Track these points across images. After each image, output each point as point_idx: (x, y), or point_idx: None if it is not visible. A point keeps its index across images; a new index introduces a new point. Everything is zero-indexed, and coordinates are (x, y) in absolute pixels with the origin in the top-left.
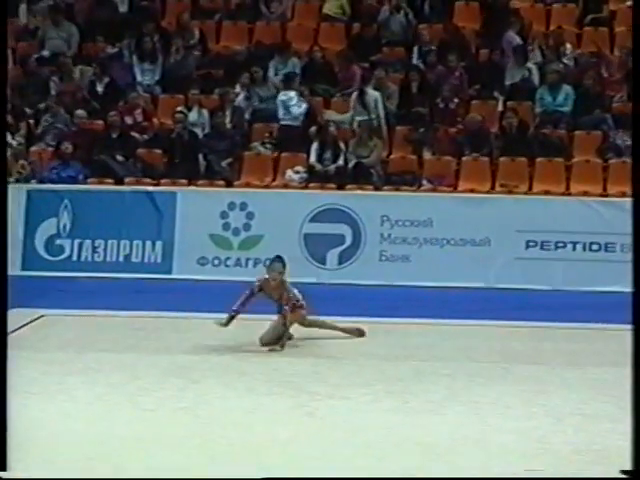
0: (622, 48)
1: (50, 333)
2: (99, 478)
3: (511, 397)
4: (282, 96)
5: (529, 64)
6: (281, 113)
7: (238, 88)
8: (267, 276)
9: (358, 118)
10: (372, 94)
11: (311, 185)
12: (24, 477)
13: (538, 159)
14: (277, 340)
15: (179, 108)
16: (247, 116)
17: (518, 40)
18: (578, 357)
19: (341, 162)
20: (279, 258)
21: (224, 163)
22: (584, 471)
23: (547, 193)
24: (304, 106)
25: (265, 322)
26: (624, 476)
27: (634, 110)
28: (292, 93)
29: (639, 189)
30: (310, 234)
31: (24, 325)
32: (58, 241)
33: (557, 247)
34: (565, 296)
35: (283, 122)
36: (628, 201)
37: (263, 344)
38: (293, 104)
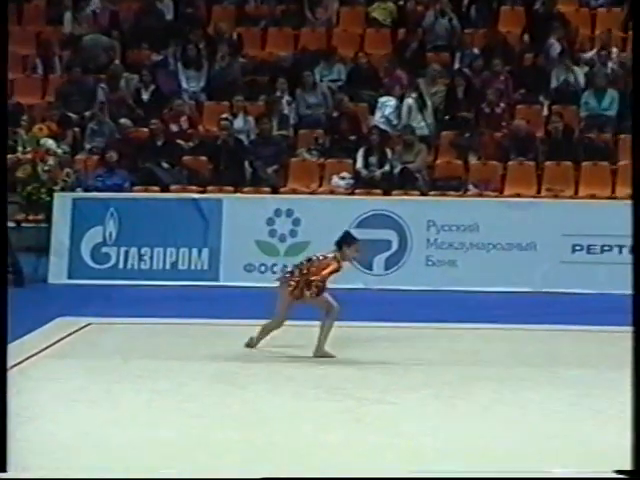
0: None
1: (96, 341)
2: (106, 478)
3: (558, 400)
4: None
5: (574, 68)
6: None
7: (282, 94)
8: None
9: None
10: (416, 100)
11: (357, 191)
12: (24, 477)
13: (584, 163)
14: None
15: (224, 115)
16: (293, 122)
17: (563, 44)
18: (624, 360)
19: (387, 168)
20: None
21: (270, 170)
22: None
23: (593, 197)
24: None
25: (313, 329)
26: (625, 476)
27: (634, 109)
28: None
29: (639, 190)
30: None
31: (71, 333)
32: (104, 249)
33: (603, 251)
34: (611, 299)
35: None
36: None
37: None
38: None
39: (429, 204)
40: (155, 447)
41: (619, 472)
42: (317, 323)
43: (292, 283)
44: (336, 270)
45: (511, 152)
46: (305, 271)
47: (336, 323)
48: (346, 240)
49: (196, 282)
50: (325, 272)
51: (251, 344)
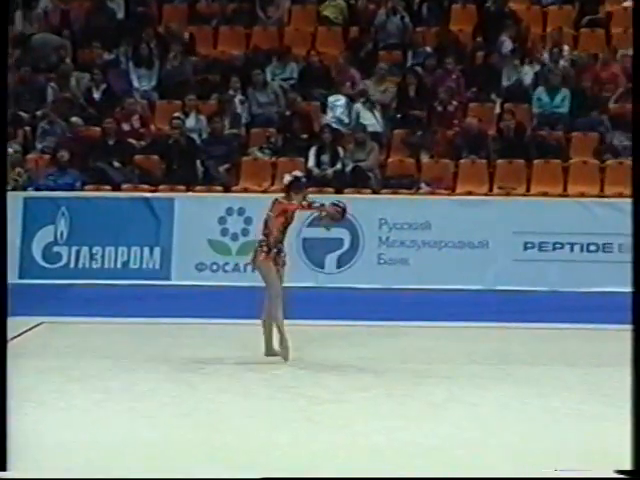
0: (619, 49)
1: (48, 340)
2: (100, 478)
3: (510, 398)
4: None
5: (526, 66)
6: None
7: (235, 93)
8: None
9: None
10: (369, 98)
11: (309, 190)
12: (24, 477)
13: (535, 161)
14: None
15: (176, 114)
16: (245, 121)
17: (514, 42)
18: (577, 358)
19: (339, 166)
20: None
21: (222, 168)
22: (582, 472)
23: (544, 195)
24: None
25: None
26: (625, 476)
27: (634, 110)
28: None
29: (639, 189)
30: (308, 238)
31: (22, 333)
32: (55, 248)
33: (555, 248)
34: (563, 297)
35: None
36: (625, 202)
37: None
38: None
39: (381, 202)
40: (106, 447)
41: (620, 472)
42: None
43: (265, 249)
44: (293, 209)
45: (463, 150)
46: (267, 231)
47: (287, 322)
48: (294, 186)
49: (148, 281)
50: (290, 209)
51: (275, 351)
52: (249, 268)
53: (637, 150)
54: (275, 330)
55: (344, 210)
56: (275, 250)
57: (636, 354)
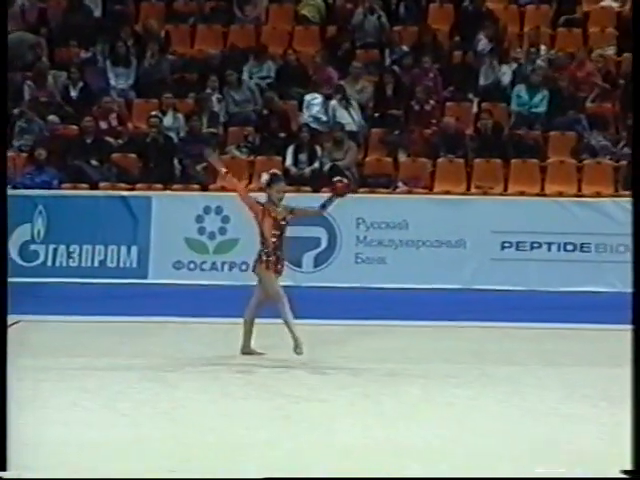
0: (595, 49)
1: (25, 339)
2: (102, 478)
3: (486, 398)
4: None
5: (503, 65)
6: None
7: (212, 91)
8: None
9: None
10: (346, 97)
11: (287, 188)
12: (24, 477)
13: (513, 160)
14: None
15: (154, 112)
16: (222, 119)
17: (491, 42)
18: (553, 357)
19: (316, 165)
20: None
21: (199, 167)
22: (560, 471)
23: (522, 194)
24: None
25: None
26: (625, 476)
27: (635, 110)
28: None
29: (639, 189)
30: (286, 237)
31: None
32: (32, 247)
33: (532, 248)
34: (540, 296)
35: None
36: (603, 201)
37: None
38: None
39: (358, 201)
40: (82, 445)
41: (625, 472)
42: (241, 320)
43: (264, 257)
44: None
45: (440, 149)
46: (262, 239)
47: (264, 321)
48: (272, 182)
49: (125, 280)
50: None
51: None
52: (227, 267)
53: (637, 150)
54: (287, 331)
55: (348, 185)
56: (274, 257)
57: (636, 354)
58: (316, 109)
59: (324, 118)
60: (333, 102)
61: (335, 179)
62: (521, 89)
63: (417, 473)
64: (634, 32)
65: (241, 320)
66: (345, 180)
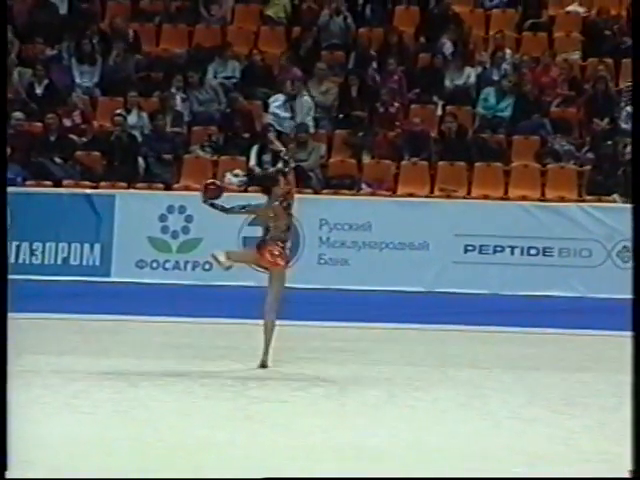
0: (560, 53)
1: None
2: (105, 478)
3: (448, 401)
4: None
5: (468, 68)
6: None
7: (177, 91)
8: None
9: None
10: (307, 98)
11: (250, 189)
12: (24, 477)
13: (477, 164)
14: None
15: (118, 111)
16: (186, 119)
17: (457, 45)
18: (515, 361)
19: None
20: None
21: (163, 166)
22: (519, 475)
23: (485, 197)
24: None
25: (204, 326)
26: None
27: (634, 110)
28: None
29: (639, 192)
30: (249, 237)
31: None
32: None
33: (495, 251)
34: (503, 300)
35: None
36: (566, 206)
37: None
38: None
39: (322, 202)
40: (42, 443)
41: (632, 472)
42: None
43: (276, 253)
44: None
45: (404, 152)
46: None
47: (225, 320)
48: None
49: (88, 277)
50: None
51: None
52: (190, 266)
53: (637, 150)
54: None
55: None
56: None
57: (636, 360)
58: (279, 110)
59: (287, 118)
60: (300, 99)
61: (207, 182)
62: (489, 93)
63: (375, 474)
64: (634, 32)
65: (201, 319)
66: (218, 182)
